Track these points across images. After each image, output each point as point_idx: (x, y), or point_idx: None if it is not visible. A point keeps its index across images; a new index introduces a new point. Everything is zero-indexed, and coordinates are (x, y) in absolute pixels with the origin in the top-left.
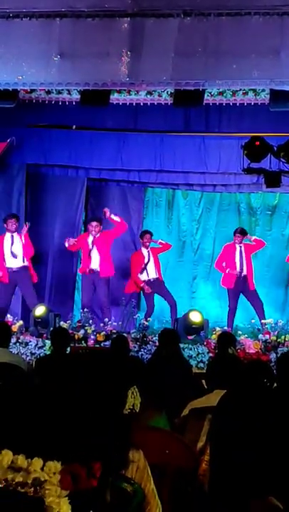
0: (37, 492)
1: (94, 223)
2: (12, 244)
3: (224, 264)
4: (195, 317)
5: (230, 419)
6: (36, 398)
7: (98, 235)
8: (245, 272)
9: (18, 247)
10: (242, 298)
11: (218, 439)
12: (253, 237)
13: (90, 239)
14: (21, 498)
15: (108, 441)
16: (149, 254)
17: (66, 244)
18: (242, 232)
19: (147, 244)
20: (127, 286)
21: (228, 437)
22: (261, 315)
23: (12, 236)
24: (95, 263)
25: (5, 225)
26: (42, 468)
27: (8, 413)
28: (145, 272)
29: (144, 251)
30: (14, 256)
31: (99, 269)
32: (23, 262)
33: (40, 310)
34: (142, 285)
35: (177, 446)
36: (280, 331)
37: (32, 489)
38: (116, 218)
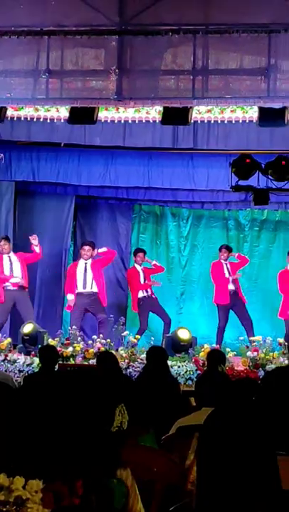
0: (19, 511)
1: (86, 247)
2: (11, 265)
3: (213, 281)
4: (183, 334)
5: (218, 438)
6: (21, 416)
7: (90, 260)
8: (234, 288)
9: (17, 267)
10: (230, 314)
11: (207, 457)
12: (237, 254)
13: (82, 264)
14: None
15: (95, 459)
16: (143, 272)
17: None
18: (228, 248)
19: (140, 262)
20: (133, 305)
21: (216, 456)
22: (250, 332)
23: (9, 257)
24: (90, 286)
25: None
26: (24, 487)
27: None
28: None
29: (138, 267)
30: (13, 276)
31: (97, 291)
32: (21, 281)
33: (28, 327)
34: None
35: (165, 463)
36: (268, 348)
37: (14, 508)
38: (103, 250)
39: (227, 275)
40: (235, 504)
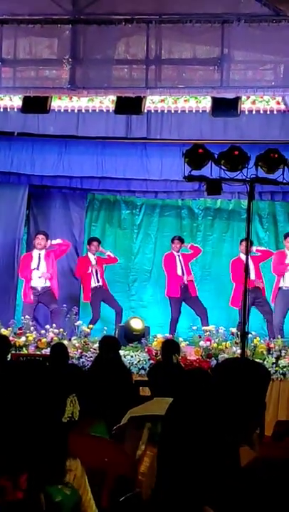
0: None
1: (40, 236)
2: None
3: (166, 273)
4: (136, 324)
5: (180, 429)
6: None
7: (44, 251)
8: (186, 280)
9: None
10: (183, 305)
11: (168, 448)
12: (189, 245)
13: (36, 254)
14: None
15: (42, 451)
16: (96, 262)
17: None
18: (180, 240)
19: (94, 251)
20: (85, 295)
21: (178, 447)
22: (205, 322)
23: None
24: (42, 279)
25: None
26: None
27: None
28: (92, 277)
29: (91, 256)
30: None
31: (49, 285)
32: None
33: None
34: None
35: (116, 454)
36: (220, 337)
37: None
38: (57, 241)
39: (180, 271)
40: (194, 495)
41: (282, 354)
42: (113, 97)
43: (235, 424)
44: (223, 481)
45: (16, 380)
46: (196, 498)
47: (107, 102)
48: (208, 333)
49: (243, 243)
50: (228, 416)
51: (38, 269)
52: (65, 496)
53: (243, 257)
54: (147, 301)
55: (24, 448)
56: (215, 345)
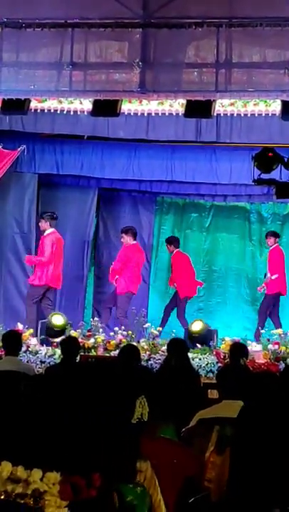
0: (37, 503)
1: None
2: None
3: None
4: (195, 326)
5: (254, 432)
6: (39, 408)
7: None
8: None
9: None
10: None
11: (242, 451)
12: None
13: None
14: (21, 509)
15: (113, 451)
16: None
17: None
18: (273, 234)
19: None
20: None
21: (252, 449)
22: (261, 322)
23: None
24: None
25: None
26: (41, 479)
27: (8, 423)
28: None
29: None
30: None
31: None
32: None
33: (59, 320)
34: None
35: (185, 456)
36: (288, 341)
37: (32, 500)
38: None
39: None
40: (266, 496)
41: None
42: (183, 101)
43: None
44: None
45: (86, 381)
46: (267, 500)
47: (176, 105)
48: (275, 336)
49: None
50: None
51: None
52: (136, 495)
53: None
54: (216, 302)
55: (95, 447)
56: (283, 348)
